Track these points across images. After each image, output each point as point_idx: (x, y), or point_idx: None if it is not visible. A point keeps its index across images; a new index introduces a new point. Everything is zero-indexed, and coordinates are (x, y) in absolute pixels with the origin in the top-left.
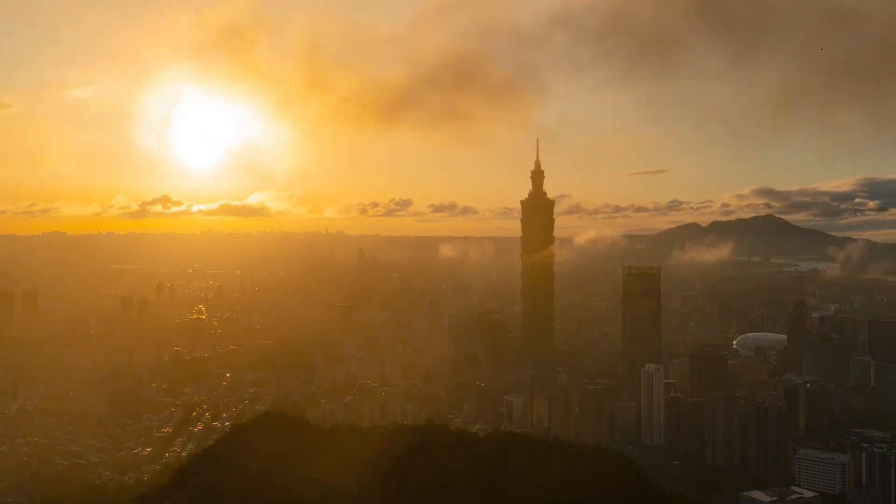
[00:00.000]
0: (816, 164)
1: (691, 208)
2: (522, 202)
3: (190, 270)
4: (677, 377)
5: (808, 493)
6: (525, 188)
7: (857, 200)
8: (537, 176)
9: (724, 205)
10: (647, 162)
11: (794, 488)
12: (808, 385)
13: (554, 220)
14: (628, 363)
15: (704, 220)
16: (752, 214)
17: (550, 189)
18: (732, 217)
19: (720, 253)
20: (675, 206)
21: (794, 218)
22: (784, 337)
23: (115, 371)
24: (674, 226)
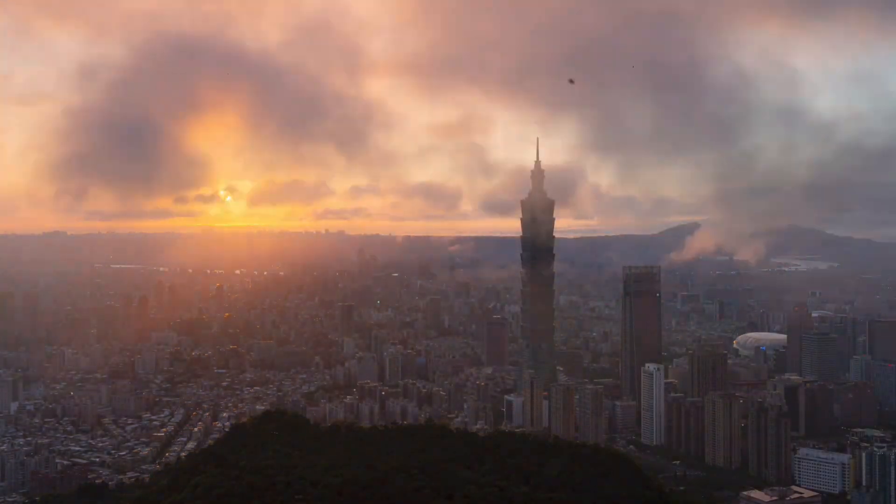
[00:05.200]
0: None
1: None
2: (522, 202)
3: (190, 270)
4: (677, 377)
5: (808, 493)
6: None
7: None
8: (537, 175)
9: None
10: None
11: (794, 488)
12: (808, 385)
13: (554, 219)
14: (628, 363)
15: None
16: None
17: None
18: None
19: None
20: None
21: None
22: (784, 337)
23: (115, 371)
24: (674, 224)
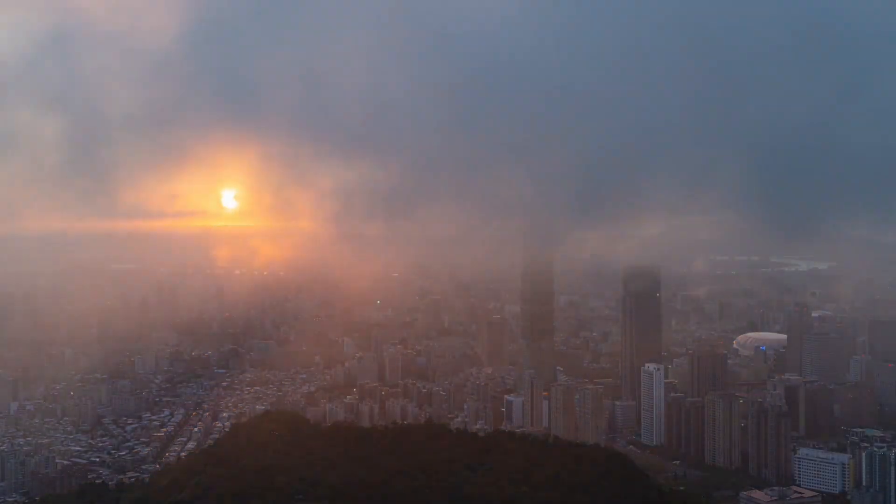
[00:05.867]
0: None
1: None
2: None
3: (190, 270)
4: (677, 377)
5: (808, 493)
6: None
7: None
8: None
9: None
10: None
11: (794, 488)
12: (808, 385)
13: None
14: (628, 363)
15: None
16: None
17: None
18: None
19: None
20: None
21: None
22: (784, 337)
23: (115, 371)
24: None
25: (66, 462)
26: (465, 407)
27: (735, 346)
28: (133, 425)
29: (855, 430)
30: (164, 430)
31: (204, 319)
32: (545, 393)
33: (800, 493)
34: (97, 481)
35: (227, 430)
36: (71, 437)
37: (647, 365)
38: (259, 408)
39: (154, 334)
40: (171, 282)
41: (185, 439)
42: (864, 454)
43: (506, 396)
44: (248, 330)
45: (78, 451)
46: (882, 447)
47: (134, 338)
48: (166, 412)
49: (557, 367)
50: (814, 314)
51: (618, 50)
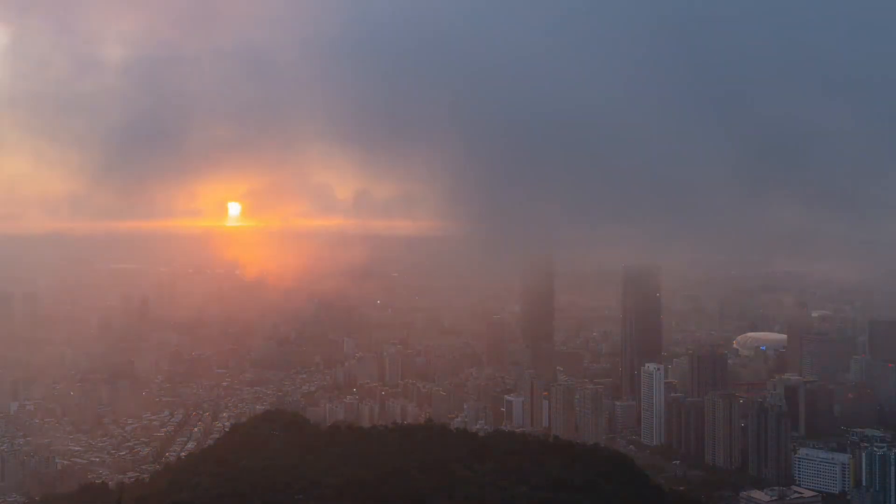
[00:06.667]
0: None
1: None
2: None
3: (190, 270)
4: (677, 377)
5: (808, 493)
6: None
7: None
8: None
9: None
10: None
11: (795, 488)
12: (808, 385)
13: None
14: (628, 363)
15: None
16: None
17: None
18: None
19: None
20: None
21: None
22: (784, 337)
23: (115, 371)
24: None
25: (66, 462)
26: (465, 407)
27: (735, 346)
28: (133, 425)
29: (855, 430)
30: (164, 430)
31: (204, 319)
32: (545, 393)
33: (800, 493)
34: (97, 481)
35: (227, 430)
36: (71, 437)
37: (647, 365)
38: (259, 408)
39: (154, 334)
40: (171, 282)
41: (185, 439)
42: (864, 454)
43: (506, 396)
44: (248, 330)
45: (78, 451)
46: (882, 447)
47: (134, 338)
48: (166, 412)
49: (557, 367)
50: (814, 314)
51: None
